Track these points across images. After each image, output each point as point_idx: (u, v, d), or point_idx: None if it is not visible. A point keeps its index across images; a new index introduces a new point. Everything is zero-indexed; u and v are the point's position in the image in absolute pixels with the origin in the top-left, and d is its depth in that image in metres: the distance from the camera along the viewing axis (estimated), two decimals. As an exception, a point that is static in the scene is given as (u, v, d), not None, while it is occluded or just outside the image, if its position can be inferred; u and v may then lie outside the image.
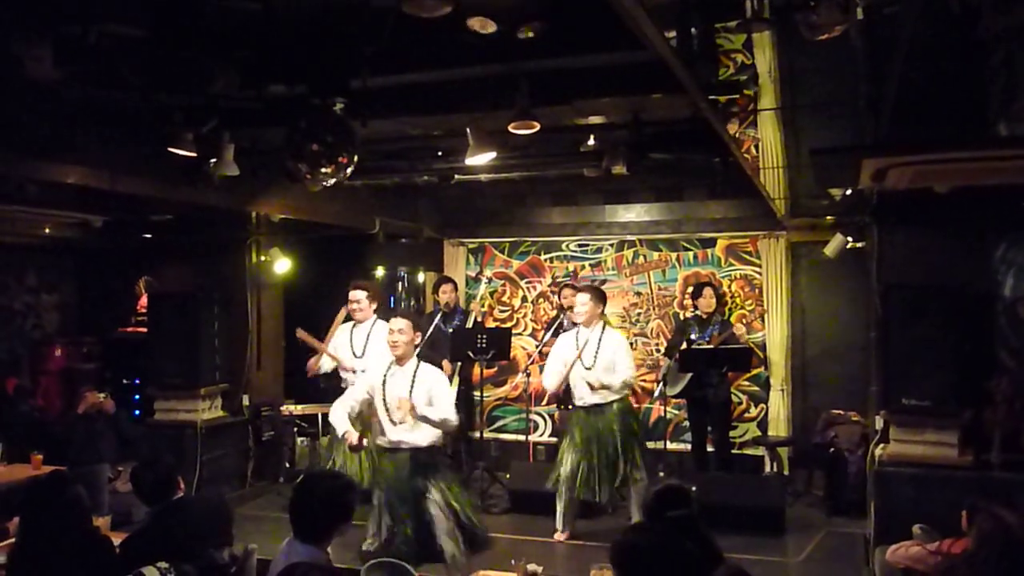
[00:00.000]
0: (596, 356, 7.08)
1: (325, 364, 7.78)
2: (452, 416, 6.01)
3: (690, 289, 9.07)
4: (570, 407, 7.45)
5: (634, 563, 3.07)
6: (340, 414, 6.17)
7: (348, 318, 7.84)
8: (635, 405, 9.13)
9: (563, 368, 7.17)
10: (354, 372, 7.50)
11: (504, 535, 7.40)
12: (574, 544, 7.13)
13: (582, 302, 7.18)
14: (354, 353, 7.61)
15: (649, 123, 6.29)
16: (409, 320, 6.08)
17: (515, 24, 4.36)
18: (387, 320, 7.46)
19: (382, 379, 6.03)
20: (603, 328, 7.23)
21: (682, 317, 9.35)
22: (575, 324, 8.65)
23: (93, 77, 5.04)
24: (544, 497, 7.68)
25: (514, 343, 9.60)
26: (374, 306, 7.68)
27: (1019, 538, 3.71)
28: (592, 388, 7.03)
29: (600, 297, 7.32)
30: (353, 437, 5.93)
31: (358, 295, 7.62)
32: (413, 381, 5.98)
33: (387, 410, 5.96)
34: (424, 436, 6.02)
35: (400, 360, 6.06)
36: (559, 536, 7.27)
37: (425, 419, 5.87)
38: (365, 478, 6.86)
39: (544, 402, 9.76)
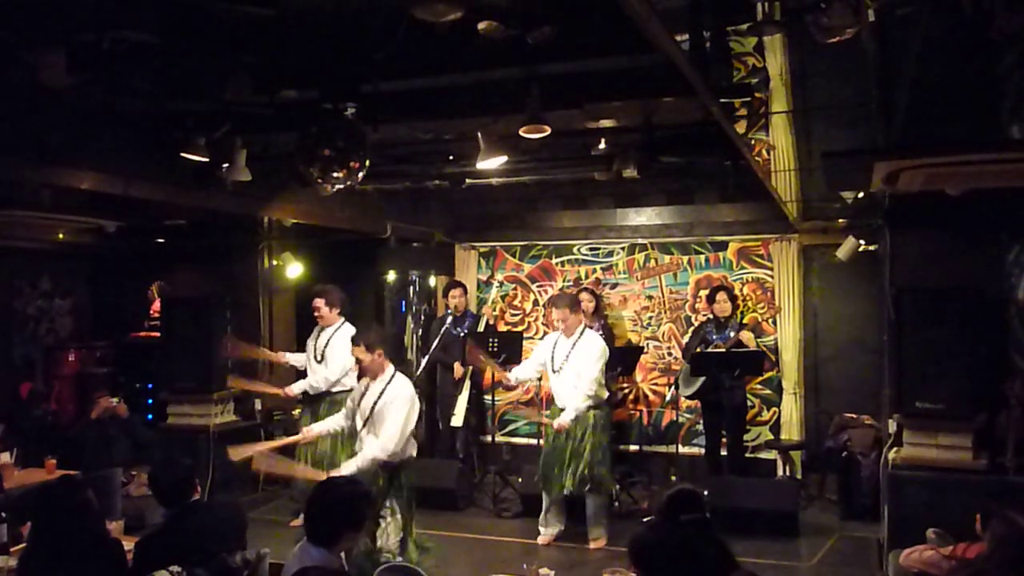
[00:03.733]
0: (566, 361, 7.17)
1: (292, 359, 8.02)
2: (379, 452, 5.60)
3: (705, 292, 9.08)
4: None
5: (654, 559, 3.06)
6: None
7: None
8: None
9: (533, 367, 7.50)
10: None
11: (516, 539, 7.41)
12: (585, 548, 7.13)
13: (559, 318, 7.23)
14: (315, 358, 7.71)
15: (660, 126, 6.30)
16: (366, 341, 5.75)
17: (525, 28, 4.37)
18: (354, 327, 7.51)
19: (361, 392, 5.89)
20: (580, 334, 7.26)
21: (694, 321, 9.34)
22: (590, 327, 8.68)
23: (106, 84, 5.07)
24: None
25: (525, 347, 9.59)
26: (336, 311, 7.73)
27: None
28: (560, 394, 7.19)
29: (574, 304, 7.41)
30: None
31: (317, 303, 7.72)
32: (380, 396, 5.74)
33: (356, 421, 5.85)
34: (402, 454, 5.78)
35: (373, 376, 5.82)
36: (540, 539, 7.31)
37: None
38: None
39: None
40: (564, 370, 7.15)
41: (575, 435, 7.04)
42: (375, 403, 5.73)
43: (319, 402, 7.57)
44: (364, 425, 5.77)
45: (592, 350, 7.18)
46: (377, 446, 5.62)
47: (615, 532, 7.22)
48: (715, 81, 4.78)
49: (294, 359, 8.07)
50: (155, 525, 5.19)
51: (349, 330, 7.58)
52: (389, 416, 5.67)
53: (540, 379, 9.52)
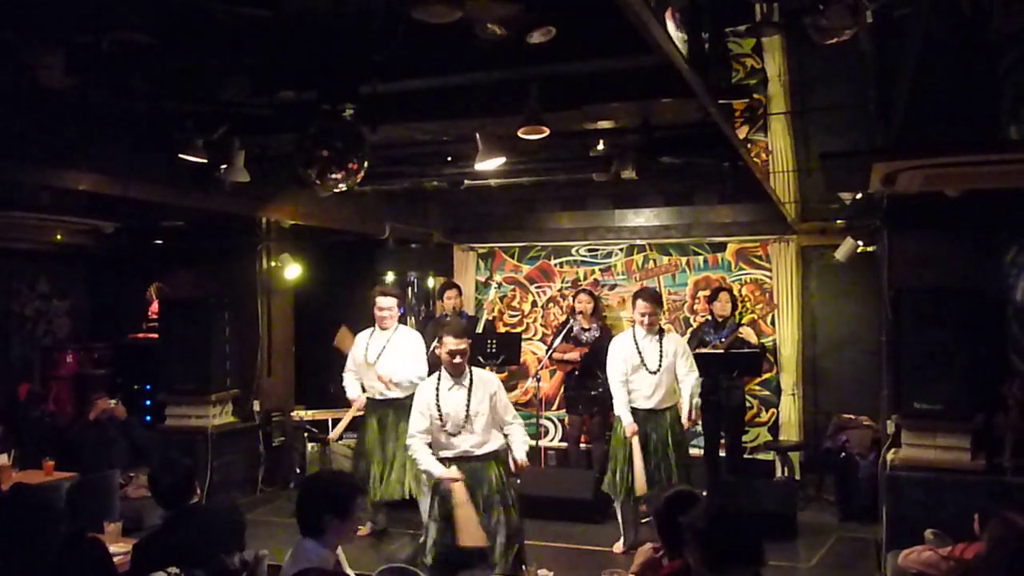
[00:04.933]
0: (661, 361, 6.99)
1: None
2: (519, 419, 5.84)
3: (705, 293, 9.09)
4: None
5: (713, 530, 3.17)
6: (428, 455, 5.64)
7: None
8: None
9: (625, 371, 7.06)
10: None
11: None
12: (584, 549, 7.13)
13: (647, 311, 6.96)
14: (367, 360, 7.39)
15: (659, 127, 6.29)
16: (464, 333, 5.70)
17: (524, 29, 4.37)
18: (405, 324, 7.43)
19: (435, 393, 5.68)
20: (660, 330, 7.14)
21: (693, 322, 9.34)
22: (585, 329, 8.68)
23: (105, 85, 5.06)
24: (554, 502, 7.68)
25: (524, 348, 9.59)
26: (399, 312, 7.55)
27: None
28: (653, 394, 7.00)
29: (658, 299, 7.26)
30: (454, 474, 5.53)
31: (390, 302, 7.40)
32: (470, 393, 5.66)
33: (443, 423, 5.63)
34: (495, 441, 5.77)
35: (460, 372, 5.70)
36: (617, 547, 7.14)
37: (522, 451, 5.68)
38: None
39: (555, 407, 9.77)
40: (663, 369, 6.97)
41: (663, 431, 6.97)
42: (468, 401, 5.66)
43: (385, 409, 7.31)
44: (463, 425, 5.64)
45: (683, 343, 7.27)
46: (520, 423, 5.79)
47: (613, 533, 7.22)
48: (714, 82, 4.78)
49: (358, 389, 7.58)
50: (153, 527, 5.18)
51: (407, 328, 7.59)
52: (502, 402, 5.78)
53: (539, 380, 9.55)
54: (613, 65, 5.11)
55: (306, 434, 9.25)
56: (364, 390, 7.49)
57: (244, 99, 5.22)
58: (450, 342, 5.61)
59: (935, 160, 4.68)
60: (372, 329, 7.53)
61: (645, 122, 6.16)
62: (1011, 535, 3.75)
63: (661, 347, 7.00)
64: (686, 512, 3.64)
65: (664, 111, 5.81)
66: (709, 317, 8.66)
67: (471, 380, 5.72)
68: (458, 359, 5.63)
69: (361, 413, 7.51)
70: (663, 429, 6.95)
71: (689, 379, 7.01)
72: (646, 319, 6.98)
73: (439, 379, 5.75)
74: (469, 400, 5.66)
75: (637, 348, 7.03)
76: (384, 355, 7.33)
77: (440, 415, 5.64)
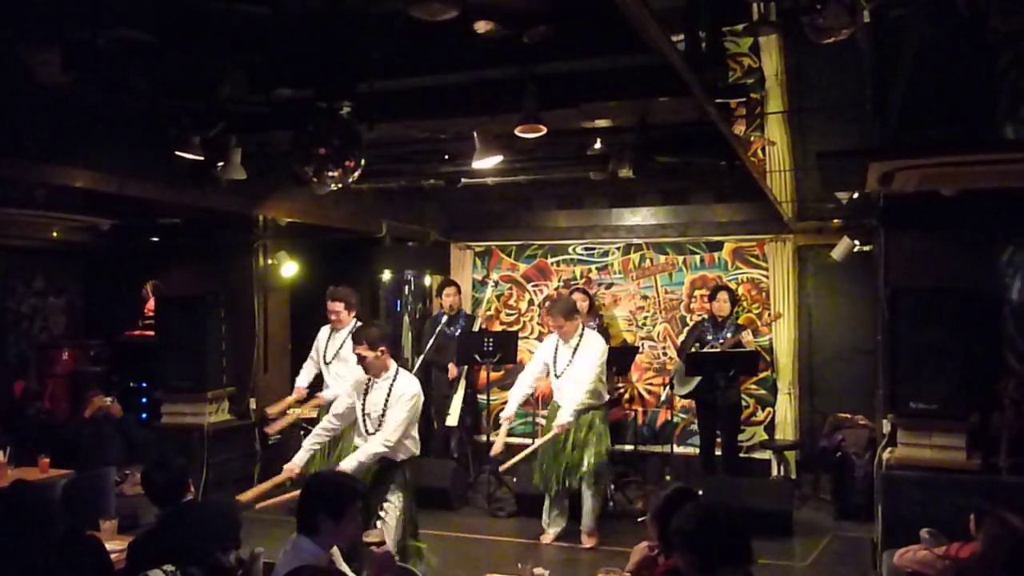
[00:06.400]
0: (569, 365, 7.17)
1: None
2: (380, 446, 5.53)
3: (702, 292, 9.11)
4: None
5: (702, 529, 3.18)
6: (317, 438, 5.83)
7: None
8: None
9: (531, 378, 7.40)
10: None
11: (510, 538, 7.41)
12: (581, 547, 7.13)
13: (555, 326, 7.21)
14: (324, 359, 7.54)
15: (656, 126, 6.29)
16: (369, 339, 5.65)
17: (522, 27, 4.37)
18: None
19: (364, 389, 5.74)
20: (580, 336, 7.24)
21: (689, 321, 9.35)
22: (588, 326, 8.70)
23: (101, 81, 5.06)
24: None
25: (520, 346, 9.58)
26: (352, 314, 7.49)
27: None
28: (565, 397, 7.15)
29: (569, 312, 7.29)
30: (293, 468, 5.60)
31: (336, 306, 7.42)
32: (389, 394, 5.64)
33: (364, 421, 5.68)
34: (403, 451, 5.71)
35: (376, 374, 5.70)
36: (543, 538, 7.31)
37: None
38: None
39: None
40: (567, 373, 7.16)
41: (578, 431, 7.07)
42: (385, 402, 5.65)
43: None
44: (378, 427, 5.63)
45: (593, 350, 7.21)
46: (379, 440, 5.54)
47: (610, 532, 7.23)
48: (711, 81, 4.78)
49: (305, 381, 7.82)
50: (149, 524, 5.18)
51: None
52: (392, 410, 5.61)
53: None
54: (610, 64, 5.11)
55: (302, 432, 9.23)
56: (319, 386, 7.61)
57: (241, 97, 5.22)
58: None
59: (932, 160, 4.69)
60: (330, 327, 7.59)
61: (642, 121, 6.16)
62: (1006, 534, 3.75)
63: (574, 353, 7.17)
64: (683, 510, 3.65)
65: (661, 110, 5.82)
66: (707, 316, 8.67)
67: (392, 382, 5.68)
68: (363, 365, 5.68)
69: (301, 400, 7.69)
70: (580, 431, 7.09)
71: (583, 382, 7.04)
72: (559, 331, 7.19)
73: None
74: (387, 401, 5.64)
75: (555, 353, 7.28)
76: (339, 356, 7.41)
77: (361, 412, 5.71)
